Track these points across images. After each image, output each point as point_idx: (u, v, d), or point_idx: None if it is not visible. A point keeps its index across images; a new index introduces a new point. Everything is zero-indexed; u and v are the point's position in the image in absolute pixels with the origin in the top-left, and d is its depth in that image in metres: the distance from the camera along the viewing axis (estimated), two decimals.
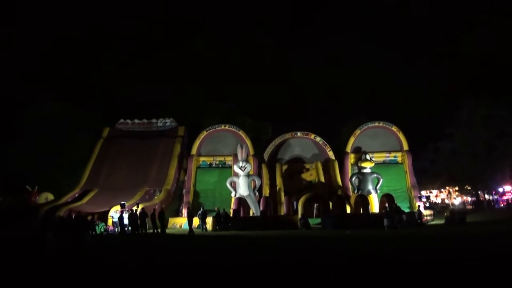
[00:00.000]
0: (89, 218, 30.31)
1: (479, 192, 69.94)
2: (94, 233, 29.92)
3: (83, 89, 70.79)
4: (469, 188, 73.78)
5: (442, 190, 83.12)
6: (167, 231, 32.28)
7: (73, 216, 27.82)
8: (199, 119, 62.46)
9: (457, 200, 77.98)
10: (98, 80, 75.55)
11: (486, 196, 72.55)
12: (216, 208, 36.00)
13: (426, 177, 65.24)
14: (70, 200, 43.53)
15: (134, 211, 32.35)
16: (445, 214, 38.00)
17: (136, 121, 56.89)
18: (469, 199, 75.26)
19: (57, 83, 71.72)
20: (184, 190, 47.04)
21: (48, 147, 58.09)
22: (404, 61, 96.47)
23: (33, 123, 59.14)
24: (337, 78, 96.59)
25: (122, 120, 56.97)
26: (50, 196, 46.00)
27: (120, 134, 54.96)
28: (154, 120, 56.88)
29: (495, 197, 69.79)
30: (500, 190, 67.31)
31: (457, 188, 78.76)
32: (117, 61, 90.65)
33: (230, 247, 20.64)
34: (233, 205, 38.29)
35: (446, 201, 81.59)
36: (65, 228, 23.62)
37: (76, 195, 45.15)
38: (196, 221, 35.02)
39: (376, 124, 49.40)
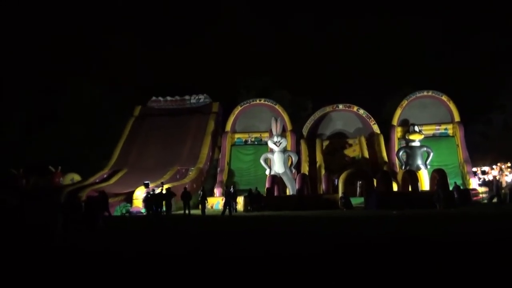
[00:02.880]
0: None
1: None
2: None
3: (115, 67, 68.22)
4: None
5: (494, 166, 78.12)
6: (194, 212, 29.38)
7: (86, 197, 25.13)
8: (235, 94, 59.37)
9: (509, 177, 73.17)
10: (129, 55, 73.09)
11: None
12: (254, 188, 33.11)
13: (476, 152, 61.19)
14: (97, 181, 41.56)
15: (155, 192, 29.46)
16: (502, 191, 34.02)
17: (169, 98, 54.44)
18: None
19: (91, 63, 69.36)
20: (218, 169, 44.33)
21: (81, 129, 56.96)
22: (450, 27, 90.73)
23: (68, 105, 58.44)
24: (381, 47, 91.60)
25: (154, 98, 54.69)
26: (76, 177, 44.02)
27: (152, 112, 52.84)
28: (187, 97, 54.24)
29: None
30: None
31: (509, 164, 74.13)
32: (149, 36, 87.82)
33: (254, 231, 17.56)
34: (266, 183, 35.08)
35: (498, 178, 76.60)
36: (76, 210, 21.30)
37: (105, 175, 43.26)
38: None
39: (425, 93, 45.33)
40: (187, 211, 27.92)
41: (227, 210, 27.31)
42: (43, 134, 56.37)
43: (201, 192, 30.12)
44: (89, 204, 21.69)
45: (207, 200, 30.53)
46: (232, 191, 31.34)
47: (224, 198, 29.61)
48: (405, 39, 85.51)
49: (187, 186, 33.55)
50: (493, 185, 32.64)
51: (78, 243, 15.38)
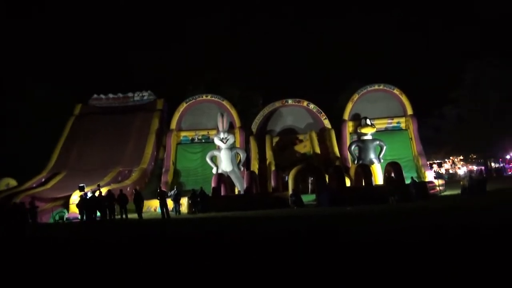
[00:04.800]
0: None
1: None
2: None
3: (54, 65, 65.50)
4: (474, 157, 70.25)
5: (446, 160, 78.74)
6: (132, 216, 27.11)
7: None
8: (182, 91, 56.92)
9: (461, 170, 74.10)
10: (72, 51, 70.51)
11: (493, 164, 69.01)
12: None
13: (429, 146, 60.96)
14: (34, 185, 38.78)
15: (89, 196, 27.02)
16: (461, 183, 32.83)
17: (111, 95, 51.57)
18: (475, 168, 71.03)
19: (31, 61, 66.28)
20: (163, 169, 41.98)
21: (19, 131, 53.92)
22: (402, 21, 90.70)
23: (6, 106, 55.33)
24: (330, 41, 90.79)
25: (95, 96, 51.71)
26: (12, 182, 41.01)
27: (94, 111, 49.88)
28: (130, 94, 51.47)
29: (502, 164, 67.45)
30: (508, 157, 64.19)
31: (461, 158, 75.08)
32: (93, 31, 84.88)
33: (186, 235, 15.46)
34: (212, 183, 32.82)
35: (451, 171, 77.59)
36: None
37: (43, 179, 40.47)
38: (170, 203, 29.79)
39: (376, 87, 44.12)
40: (123, 215, 25.75)
41: (165, 212, 25.38)
42: None
43: (134, 194, 27.63)
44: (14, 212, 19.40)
45: (143, 203, 28.07)
46: (175, 192, 29.54)
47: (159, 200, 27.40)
48: (357, 33, 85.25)
49: (127, 189, 31.49)
50: (466, 178, 31.60)
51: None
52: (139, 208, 26.57)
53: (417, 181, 30.69)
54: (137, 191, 28.51)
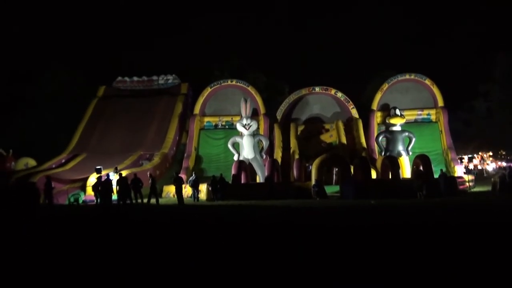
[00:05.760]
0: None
1: None
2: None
3: (82, 47, 65.29)
4: (503, 153, 68.17)
5: (475, 155, 76.72)
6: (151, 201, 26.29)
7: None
8: (207, 76, 56.04)
9: (490, 166, 71.90)
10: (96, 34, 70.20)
11: None
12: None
13: (458, 140, 59.35)
14: (54, 166, 38.30)
15: (105, 178, 26.15)
16: (492, 179, 31.44)
17: (135, 78, 50.94)
18: (504, 164, 68.90)
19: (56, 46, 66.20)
20: (185, 154, 41.21)
21: (46, 114, 53.92)
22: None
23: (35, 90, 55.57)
24: (362, 30, 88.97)
25: (120, 78, 51.13)
26: (31, 162, 40.60)
27: (117, 93, 49.32)
28: (155, 77, 50.78)
29: None
30: None
31: (491, 153, 72.86)
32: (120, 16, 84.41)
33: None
34: (232, 170, 31.88)
35: (479, 167, 75.37)
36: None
37: (63, 160, 39.97)
38: (189, 189, 28.97)
39: (407, 76, 42.56)
40: (138, 200, 24.97)
41: (182, 198, 24.56)
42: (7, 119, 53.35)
43: (150, 180, 26.85)
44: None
45: (157, 188, 27.33)
46: (194, 178, 28.72)
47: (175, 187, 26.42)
48: (387, 23, 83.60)
49: (147, 173, 30.69)
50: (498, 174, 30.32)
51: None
52: (152, 193, 25.84)
53: (447, 175, 29.41)
54: (152, 176, 27.68)
